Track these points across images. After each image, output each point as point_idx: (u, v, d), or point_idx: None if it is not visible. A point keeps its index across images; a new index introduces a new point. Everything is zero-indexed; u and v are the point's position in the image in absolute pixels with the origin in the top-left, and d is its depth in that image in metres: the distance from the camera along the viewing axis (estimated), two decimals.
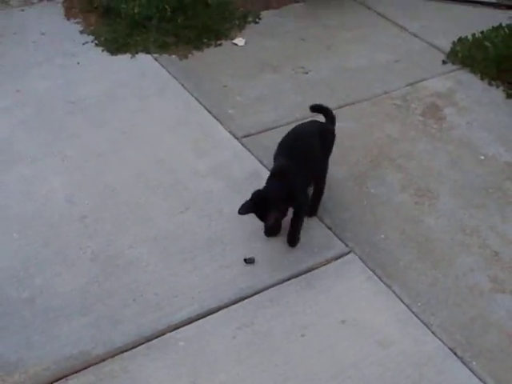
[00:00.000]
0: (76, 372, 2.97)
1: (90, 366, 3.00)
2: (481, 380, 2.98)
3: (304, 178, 3.51)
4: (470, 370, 3.03)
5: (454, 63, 5.22)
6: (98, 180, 3.99)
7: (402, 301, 3.30)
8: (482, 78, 5.03)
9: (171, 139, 4.33)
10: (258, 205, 3.31)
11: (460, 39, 5.44)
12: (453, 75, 5.08)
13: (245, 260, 3.44)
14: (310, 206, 3.70)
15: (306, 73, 5.08)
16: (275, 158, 3.57)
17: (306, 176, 3.54)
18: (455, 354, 3.09)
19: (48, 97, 4.72)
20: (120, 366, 2.99)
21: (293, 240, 3.53)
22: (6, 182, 3.97)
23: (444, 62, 5.23)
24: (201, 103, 4.64)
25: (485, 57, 5.16)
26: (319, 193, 3.74)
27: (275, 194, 3.34)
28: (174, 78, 4.93)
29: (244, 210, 3.30)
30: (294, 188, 3.40)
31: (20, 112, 4.56)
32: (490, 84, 4.97)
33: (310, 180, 3.65)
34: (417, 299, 3.32)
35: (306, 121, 3.85)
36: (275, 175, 3.45)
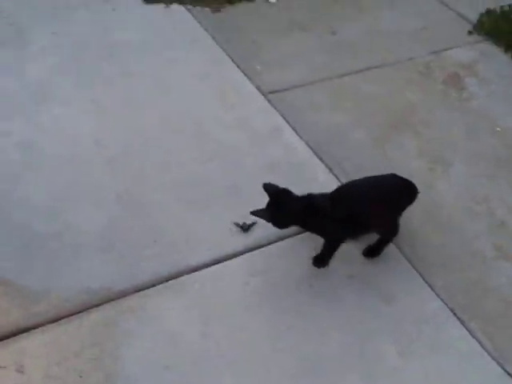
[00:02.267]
0: (97, 305, 3.14)
1: (110, 301, 3.16)
2: (477, 340, 3.13)
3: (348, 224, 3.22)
4: (467, 329, 3.17)
5: (479, 34, 5.26)
6: (126, 125, 4.14)
7: (408, 260, 3.44)
8: (505, 51, 5.07)
9: (199, 90, 4.45)
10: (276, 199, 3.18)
11: (488, 11, 5.47)
12: (477, 46, 5.13)
13: (241, 227, 3.56)
14: (373, 248, 3.46)
15: (334, 34, 5.16)
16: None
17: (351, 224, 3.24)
18: (455, 314, 3.23)
19: (83, 41, 4.84)
20: (138, 303, 3.16)
21: (314, 258, 3.37)
22: (40, 122, 4.12)
23: (470, 33, 5.27)
24: (230, 57, 4.75)
25: (511, 30, 5.20)
26: (382, 240, 3.45)
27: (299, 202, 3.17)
28: (206, 30, 5.02)
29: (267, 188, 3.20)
30: (326, 218, 3.19)
31: (55, 54, 4.68)
32: None
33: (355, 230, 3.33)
34: (423, 260, 3.45)
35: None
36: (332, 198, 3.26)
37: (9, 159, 3.87)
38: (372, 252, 3.45)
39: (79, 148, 3.96)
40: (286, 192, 3.20)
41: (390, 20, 5.39)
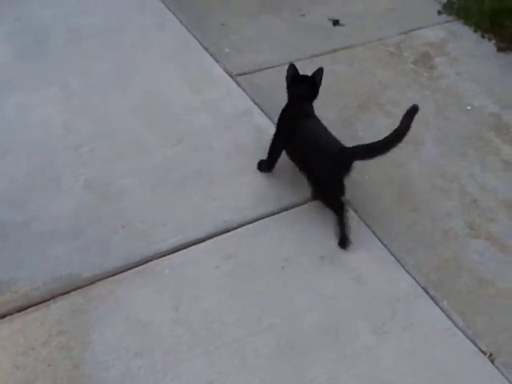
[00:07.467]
0: (65, 293, 3.09)
1: (78, 288, 3.11)
2: (450, 318, 3.12)
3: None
4: (440, 308, 3.16)
5: (449, 14, 5.24)
6: (93, 110, 4.08)
7: (380, 240, 3.42)
8: (475, 31, 5.07)
9: (167, 74, 4.40)
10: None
11: None
12: (447, 26, 5.12)
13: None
14: (340, 235, 3.39)
15: (303, 15, 5.13)
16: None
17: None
18: (427, 292, 3.22)
19: (48, 26, 4.75)
20: (107, 290, 3.11)
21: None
22: (3, 110, 4.05)
23: (439, 13, 5.26)
24: (198, 40, 4.70)
25: (479, 9, 5.17)
26: (337, 220, 3.43)
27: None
28: (173, 13, 4.95)
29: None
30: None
31: (20, 41, 4.60)
32: (482, 37, 5.02)
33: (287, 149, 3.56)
34: (395, 239, 3.44)
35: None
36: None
37: None
38: (343, 240, 3.39)
39: (46, 135, 3.89)
40: None
41: (358, 1, 5.36)
